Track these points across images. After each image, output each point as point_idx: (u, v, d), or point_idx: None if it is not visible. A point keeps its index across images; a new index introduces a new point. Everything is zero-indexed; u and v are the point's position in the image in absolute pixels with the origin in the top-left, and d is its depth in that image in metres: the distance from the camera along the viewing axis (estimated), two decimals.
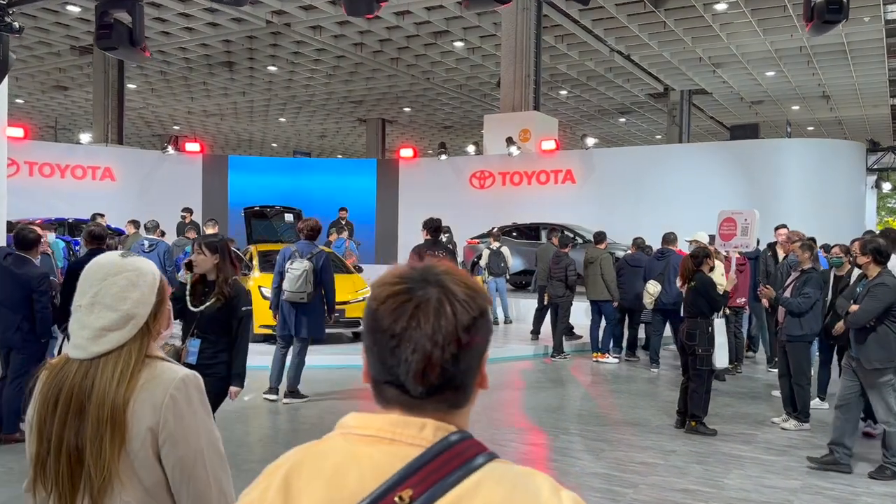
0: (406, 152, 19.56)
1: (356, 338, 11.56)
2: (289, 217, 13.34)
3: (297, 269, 7.85)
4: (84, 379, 1.68)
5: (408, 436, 1.03)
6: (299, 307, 7.85)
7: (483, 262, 13.52)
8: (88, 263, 1.77)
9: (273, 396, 8.00)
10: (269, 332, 10.52)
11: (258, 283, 10.84)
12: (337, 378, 9.34)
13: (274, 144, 38.90)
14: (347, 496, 1.02)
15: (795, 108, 28.25)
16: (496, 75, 23.77)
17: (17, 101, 28.59)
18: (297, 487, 1.06)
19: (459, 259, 15.08)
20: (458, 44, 21.30)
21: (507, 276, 13.84)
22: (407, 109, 29.70)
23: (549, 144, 17.54)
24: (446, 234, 13.00)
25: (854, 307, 5.82)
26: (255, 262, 11.59)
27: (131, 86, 26.41)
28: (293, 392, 8.01)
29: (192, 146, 18.70)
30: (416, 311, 1.03)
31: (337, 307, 10.70)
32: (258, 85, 26.52)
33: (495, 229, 14.63)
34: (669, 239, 10.21)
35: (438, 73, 24.49)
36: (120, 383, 1.66)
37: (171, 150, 18.13)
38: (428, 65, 23.60)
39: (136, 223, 12.34)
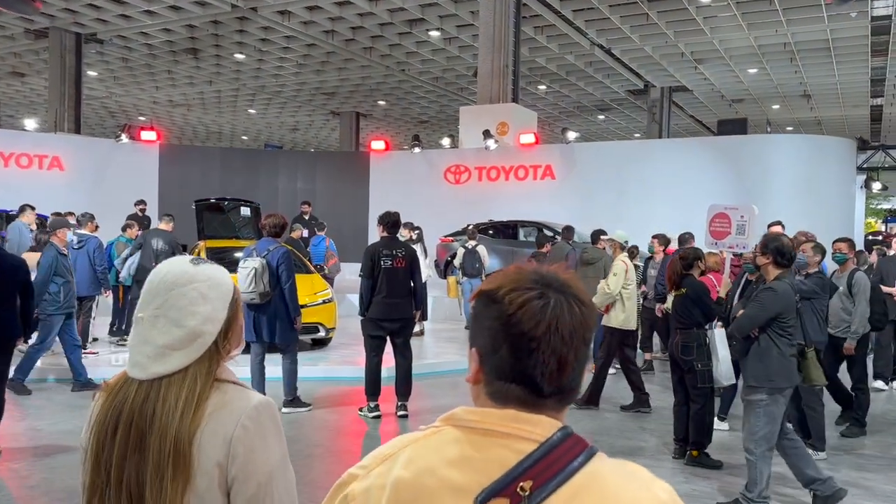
0: (377, 145, 18.41)
1: (315, 345, 10.44)
2: (245, 211, 12.17)
3: (246, 268, 6.88)
4: (145, 403, 1.50)
5: (523, 430, 1.09)
6: (258, 309, 6.97)
7: (457, 262, 12.46)
8: (155, 270, 1.59)
9: None
10: None
11: None
12: (307, 389, 8.21)
13: (244, 137, 37.50)
14: (463, 488, 1.06)
15: (776, 106, 27.57)
16: (473, 67, 22.70)
17: None
18: (405, 483, 1.09)
19: (432, 259, 13.98)
20: (434, 33, 20.21)
21: (483, 277, 12.76)
22: (381, 103, 28.55)
23: (529, 138, 16.51)
24: (416, 231, 11.90)
25: (741, 313, 4.99)
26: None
27: (92, 73, 25.02)
28: (293, 400, 7.23)
29: (149, 135, 17.35)
30: (553, 317, 1.09)
31: None
32: (225, 74, 25.24)
33: (471, 227, 13.58)
34: (684, 239, 9.23)
35: (414, 64, 23.38)
36: (185, 413, 1.48)
37: (125, 138, 16.79)
38: (403, 55, 22.48)
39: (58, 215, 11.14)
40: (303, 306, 9.55)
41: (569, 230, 11.38)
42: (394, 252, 7.03)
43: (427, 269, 11.73)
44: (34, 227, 10.30)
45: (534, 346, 1.08)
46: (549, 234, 12.50)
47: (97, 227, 9.69)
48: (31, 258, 8.78)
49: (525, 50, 19.88)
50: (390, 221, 7.13)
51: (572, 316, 1.10)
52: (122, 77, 26.05)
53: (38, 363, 7.95)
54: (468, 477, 1.06)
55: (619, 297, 7.68)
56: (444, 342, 11.66)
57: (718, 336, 5.77)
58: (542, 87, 25.77)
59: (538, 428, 1.08)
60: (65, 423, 6.78)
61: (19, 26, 20.55)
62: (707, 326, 5.96)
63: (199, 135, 37.09)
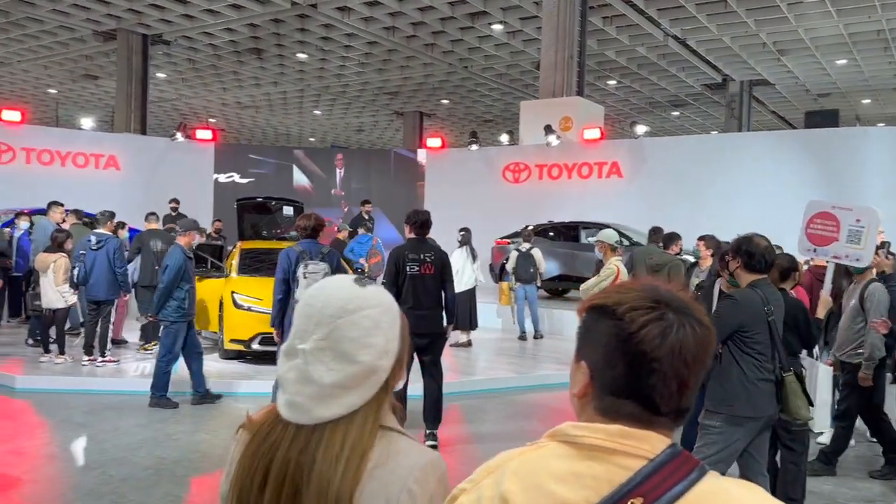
0: (434, 142, 17.38)
1: None
2: (288, 211, 11.32)
3: (316, 273, 6.02)
4: (303, 453, 1.27)
5: (633, 447, 1.06)
6: None
7: (509, 266, 11.29)
8: (313, 292, 1.33)
9: None
10: (240, 347, 8.54)
11: (233, 287, 8.81)
12: None
13: (311, 139, 37.21)
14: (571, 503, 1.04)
15: (866, 101, 25.25)
16: (538, 62, 21.52)
17: (50, 90, 27.43)
18: (515, 494, 1.08)
19: (485, 263, 12.83)
20: (497, 27, 19.07)
21: (539, 283, 11.55)
22: (445, 101, 27.58)
23: (594, 133, 15.19)
24: (462, 233, 10.79)
25: None
26: (235, 261, 9.57)
27: (161, 75, 24.99)
28: None
29: (204, 133, 16.84)
30: (676, 340, 1.07)
31: None
32: (289, 74, 24.76)
33: (528, 228, 12.40)
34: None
35: (476, 60, 22.28)
36: (348, 466, 1.25)
37: (180, 137, 16.30)
38: (465, 51, 21.42)
39: (78, 213, 10.60)
40: None
41: (671, 236, 8.94)
42: (421, 256, 5.98)
43: (476, 273, 10.64)
44: (67, 224, 9.72)
45: (655, 367, 1.07)
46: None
47: (118, 226, 9.02)
48: (44, 260, 8.12)
49: (592, 42, 18.53)
50: (419, 221, 6.08)
51: (694, 339, 1.09)
52: (190, 79, 25.94)
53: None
54: (577, 493, 1.05)
55: None
56: (493, 354, 10.51)
57: (823, 373, 4.43)
58: (612, 83, 24.27)
59: (647, 444, 1.07)
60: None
61: (87, 28, 20.47)
62: (804, 355, 4.63)
63: (269, 137, 37.02)
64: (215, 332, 9.16)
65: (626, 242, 12.09)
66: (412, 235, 6.09)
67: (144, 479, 5.09)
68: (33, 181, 14.75)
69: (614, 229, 8.08)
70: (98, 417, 6.64)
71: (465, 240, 10.79)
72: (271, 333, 8.37)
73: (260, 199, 12.10)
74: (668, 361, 1.06)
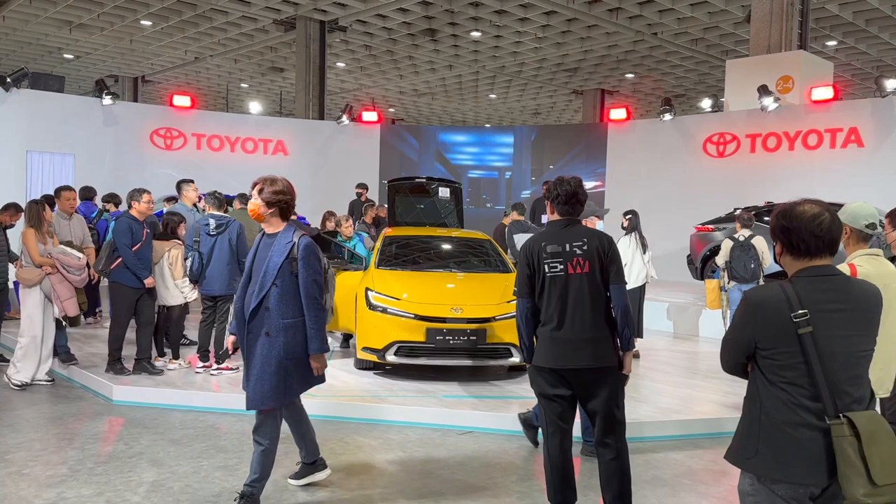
0: (618, 113, 14.66)
1: (512, 371, 7.25)
2: (444, 192, 9.33)
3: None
4: None
5: None
6: None
7: (721, 261, 8.49)
8: None
9: None
10: (373, 358, 6.68)
11: (368, 283, 6.94)
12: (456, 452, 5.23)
13: (487, 125, 35.42)
14: None
15: None
16: (743, 25, 17.94)
17: (242, 84, 27.80)
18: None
19: (670, 252, 10.08)
20: None
21: (762, 281, 8.59)
22: (629, 76, 24.44)
23: (824, 93, 11.76)
24: (628, 217, 8.27)
25: None
26: (376, 252, 7.72)
27: (340, 64, 24.31)
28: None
29: (370, 115, 15.43)
30: None
31: (476, 325, 6.61)
32: (464, 56, 23.01)
33: (740, 211, 9.50)
34: None
35: (668, 25, 19.06)
36: None
37: (345, 120, 14.98)
38: (655, 15, 18.32)
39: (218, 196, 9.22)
40: (488, 319, 6.51)
41: None
42: (567, 248, 3.66)
43: (647, 267, 8.20)
44: (207, 207, 8.34)
45: None
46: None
47: (236, 199, 7.52)
48: (156, 249, 6.72)
49: None
50: (563, 194, 3.77)
51: None
52: (367, 67, 25.07)
53: None
54: None
55: None
56: (686, 375, 7.80)
57: None
58: (831, 43, 19.91)
59: None
60: None
61: (268, 17, 19.96)
62: None
63: (445, 123, 35.78)
64: (353, 333, 7.39)
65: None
66: (554, 217, 3.81)
67: None
68: (203, 166, 14.06)
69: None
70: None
71: (633, 225, 8.30)
72: (412, 342, 6.44)
73: (421, 179, 10.18)
74: None
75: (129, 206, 6.59)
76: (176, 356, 6.87)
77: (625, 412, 3.79)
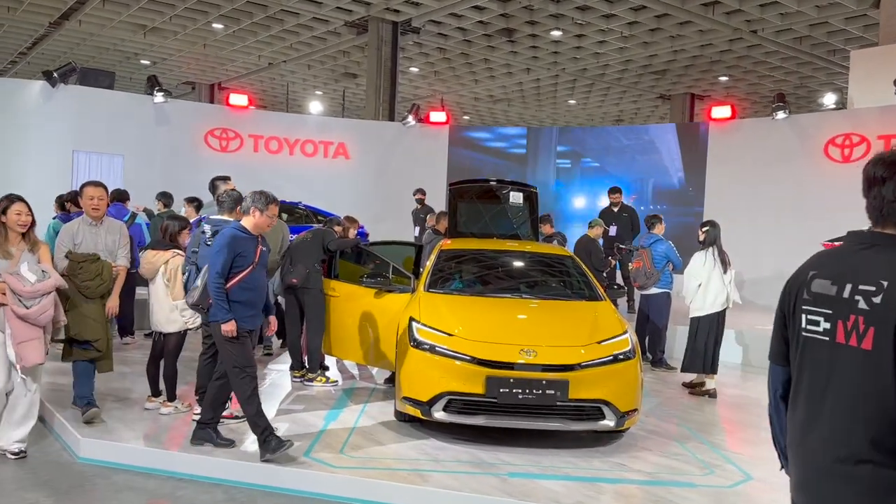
0: (721, 111, 12.47)
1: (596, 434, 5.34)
2: (516, 198, 7.54)
3: None
4: None
5: None
6: None
7: None
8: None
9: None
10: (416, 412, 4.94)
11: (413, 312, 5.19)
12: None
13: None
14: None
15: None
16: (857, 19, 15.41)
17: (317, 92, 26.80)
18: None
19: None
20: None
21: None
22: (723, 79, 21.99)
23: None
24: (705, 229, 6.51)
25: None
26: (426, 271, 5.92)
27: (414, 69, 22.95)
28: None
29: (438, 115, 13.82)
30: None
31: (556, 374, 4.78)
32: (542, 58, 21.18)
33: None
34: None
35: (770, 20, 16.69)
36: None
37: (412, 120, 13.43)
38: (755, 9, 16.02)
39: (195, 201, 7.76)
40: (572, 367, 4.68)
41: None
42: (846, 292, 1.81)
43: (728, 289, 6.65)
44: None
45: None
46: None
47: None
48: (151, 261, 5.21)
49: None
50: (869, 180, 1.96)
51: None
52: (441, 71, 23.59)
53: None
54: None
55: None
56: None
57: None
58: None
59: None
60: None
61: (339, 19, 18.72)
62: None
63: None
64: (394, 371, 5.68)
65: None
66: (831, 244, 2.34)
67: None
68: (260, 170, 12.75)
69: None
70: None
71: (712, 238, 6.73)
72: (467, 395, 4.67)
73: (493, 182, 8.38)
74: None
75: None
76: (171, 398, 5.33)
77: None
